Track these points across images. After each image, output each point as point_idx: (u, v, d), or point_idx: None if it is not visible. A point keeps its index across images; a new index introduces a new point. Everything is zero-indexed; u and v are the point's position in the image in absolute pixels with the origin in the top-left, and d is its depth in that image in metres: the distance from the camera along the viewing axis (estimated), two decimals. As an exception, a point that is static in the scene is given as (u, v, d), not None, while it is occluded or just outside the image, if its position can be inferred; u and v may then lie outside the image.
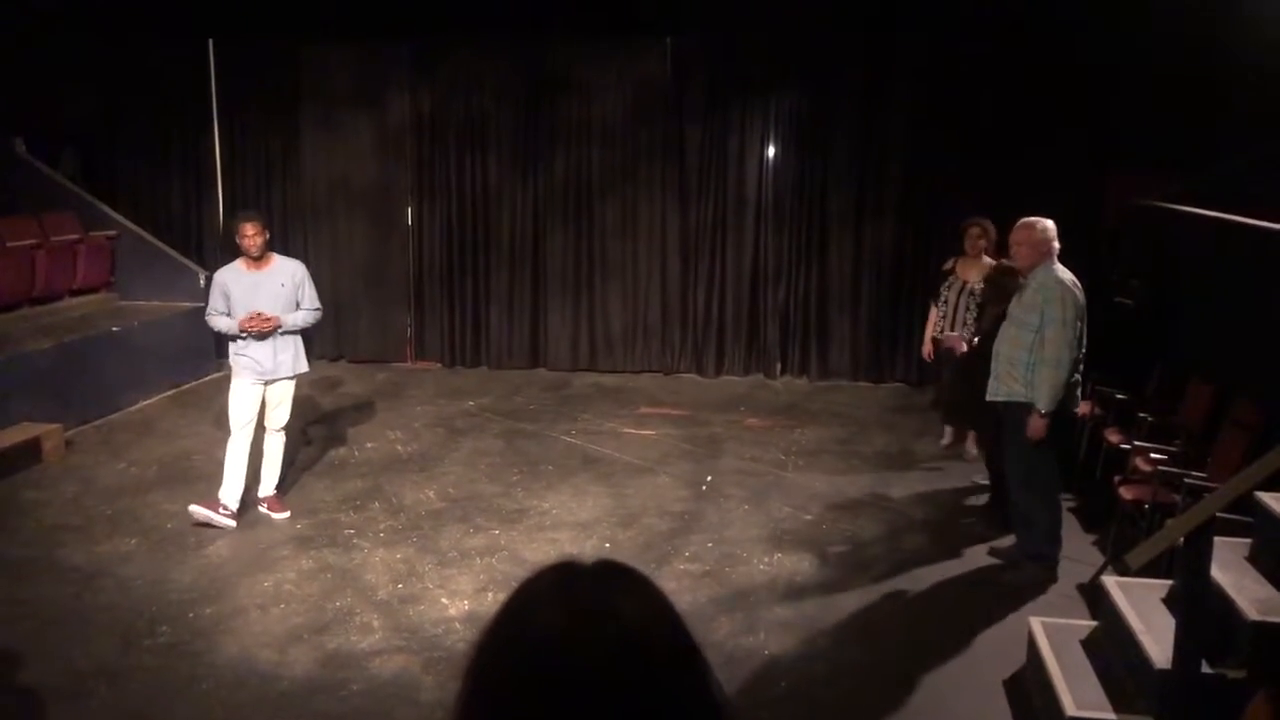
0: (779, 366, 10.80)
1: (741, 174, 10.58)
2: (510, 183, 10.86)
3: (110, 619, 5.35)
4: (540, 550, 6.24)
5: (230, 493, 6.48)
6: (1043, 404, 5.53)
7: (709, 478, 7.61)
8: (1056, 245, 5.69)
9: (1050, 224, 5.70)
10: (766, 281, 10.67)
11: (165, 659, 4.98)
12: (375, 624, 5.32)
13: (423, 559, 6.12)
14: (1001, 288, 6.64)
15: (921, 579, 5.96)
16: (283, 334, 6.41)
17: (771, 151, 10.58)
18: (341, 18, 10.26)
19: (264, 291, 6.36)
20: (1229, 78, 7.90)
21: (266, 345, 6.38)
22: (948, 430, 8.32)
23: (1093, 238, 9.09)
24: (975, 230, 7.78)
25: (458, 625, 5.27)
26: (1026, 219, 5.78)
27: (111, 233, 10.44)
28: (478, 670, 1.04)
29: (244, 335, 6.34)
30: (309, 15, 10.28)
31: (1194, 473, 5.55)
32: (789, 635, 5.25)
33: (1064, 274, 5.64)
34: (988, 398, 5.97)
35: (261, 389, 6.48)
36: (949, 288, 7.89)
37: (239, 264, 6.48)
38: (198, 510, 6.45)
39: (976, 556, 6.24)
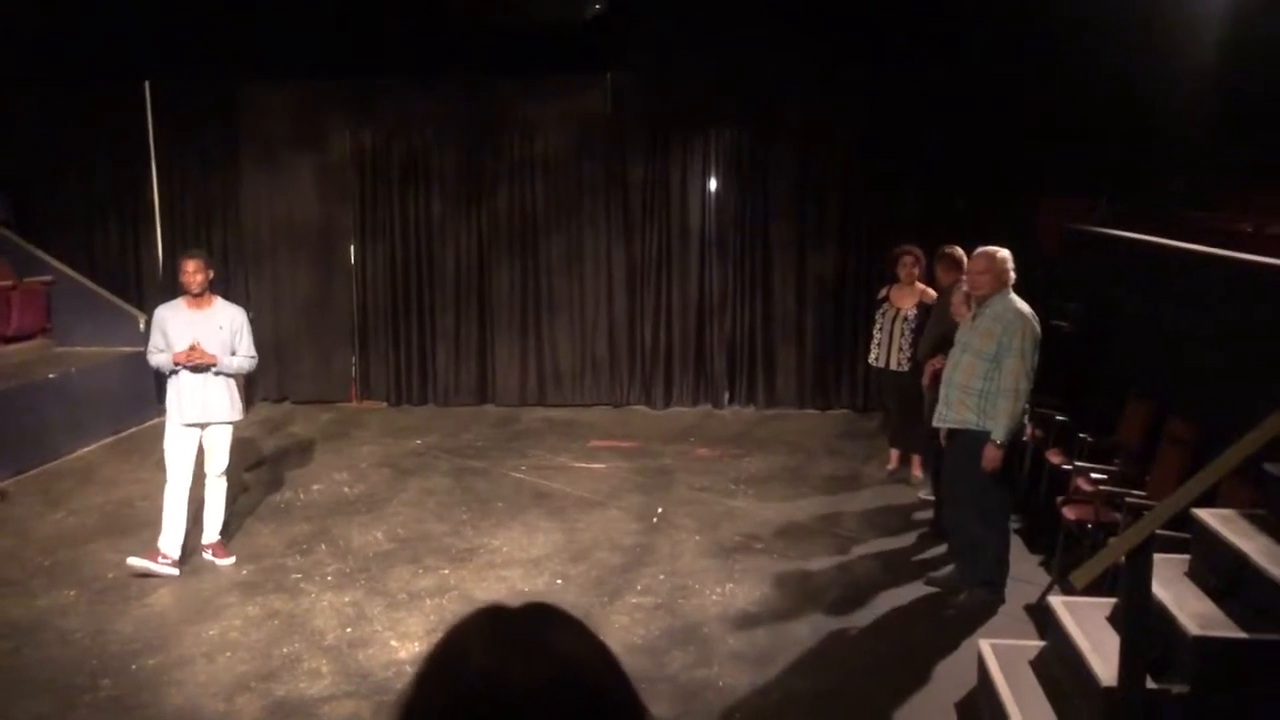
0: (727, 396, 10.87)
1: (684, 207, 10.67)
2: (454, 220, 10.86)
3: (50, 674, 5.20)
4: (491, 589, 6.19)
5: (170, 540, 6.35)
6: (1000, 435, 5.59)
7: (660, 509, 7.61)
8: (1013, 275, 5.77)
9: (1007, 253, 5.75)
10: (712, 312, 10.75)
11: (108, 714, 4.86)
12: (324, 669, 5.24)
13: (371, 602, 6.04)
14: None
15: (872, 605, 5.99)
16: (216, 374, 6.33)
17: (713, 184, 10.70)
18: (280, 57, 10.20)
19: (200, 332, 6.29)
20: (1157, 105, 8.12)
21: (197, 387, 6.29)
22: (893, 455, 8.40)
23: (1028, 262, 9.26)
24: (909, 258, 7.92)
25: (408, 669, 5.20)
26: (985, 248, 5.81)
27: (47, 278, 10.25)
28: (409, 713, 1.03)
29: (177, 369, 6.26)
30: (247, 55, 10.22)
31: (1134, 491, 5.65)
32: (742, 666, 5.25)
33: (1022, 305, 5.70)
34: (934, 423, 6.05)
35: (197, 433, 6.39)
36: (883, 315, 8.01)
37: (180, 302, 6.43)
38: (136, 562, 6.32)
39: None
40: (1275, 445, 3.70)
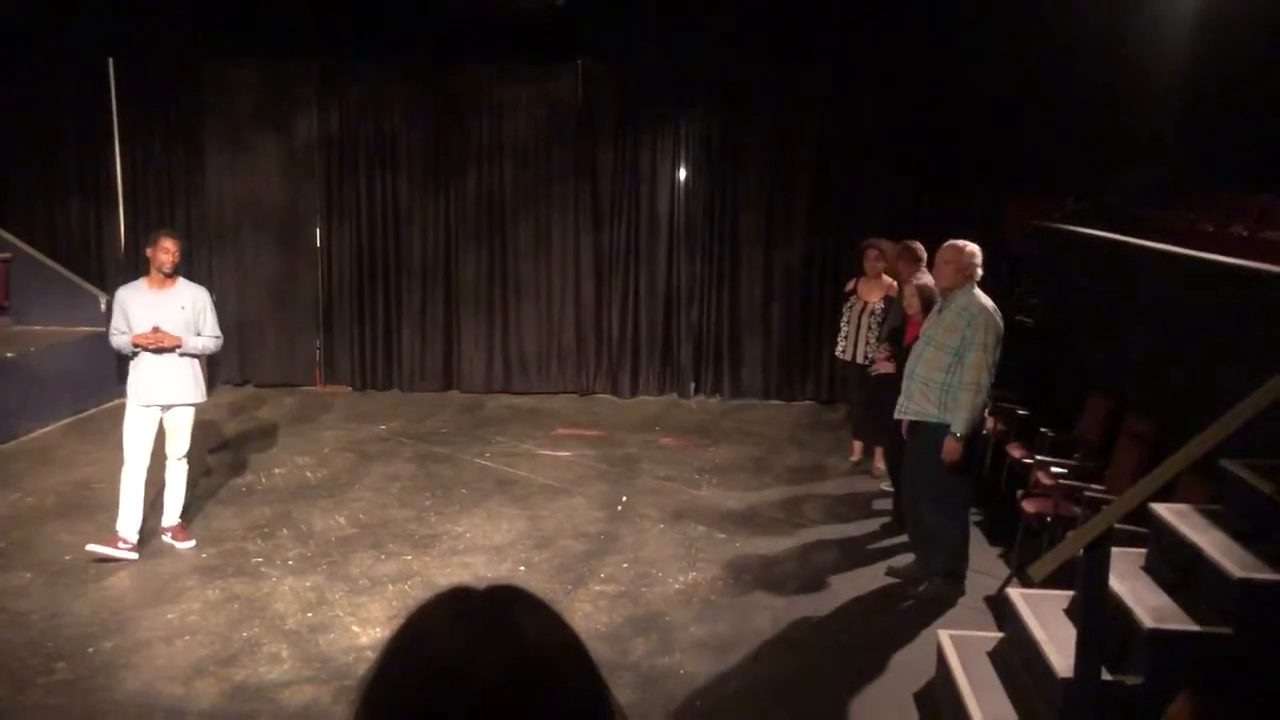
0: (693, 386, 10.89)
1: (653, 196, 10.67)
2: (421, 203, 10.78)
3: (3, 657, 5.13)
4: (453, 575, 6.17)
5: (128, 524, 6.27)
6: (960, 428, 5.63)
7: (624, 498, 7.61)
8: (980, 271, 5.80)
9: (976, 249, 5.77)
10: (680, 302, 10.76)
11: (63, 697, 4.80)
12: (284, 654, 5.21)
13: (333, 587, 6.00)
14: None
15: (833, 595, 6.03)
16: (181, 354, 6.25)
17: (682, 174, 10.70)
18: (246, 35, 10.09)
19: (163, 312, 6.20)
20: (1123, 105, 8.21)
21: (160, 368, 6.21)
22: (856, 446, 8.46)
23: (994, 258, 9.34)
24: (873, 252, 7.98)
25: (369, 654, 5.17)
26: (954, 241, 5.84)
27: (5, 255, 10.08)
28: (370, 704, 1.01)
29: (138, 350, 6.18)
30: (212, 32, 10.10)
31: (1093, 485, 5.73)
32: (704, 654, 5.27)
33: (986, 300, 5.74)
34: (896, 415, 6.08)
35: (158, 415, 6.30)
36: (850, 308, 8.05)
37: (141, 283, 6.34)
38: (95, 548, 6.23)
39: (887, 571, 6.35)
40: (1231, 442, 3.75)
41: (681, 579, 6.20)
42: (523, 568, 6.33)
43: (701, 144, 10.63)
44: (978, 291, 5.77)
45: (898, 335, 7.01)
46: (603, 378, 10.91)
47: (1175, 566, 4.29)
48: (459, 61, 10.52)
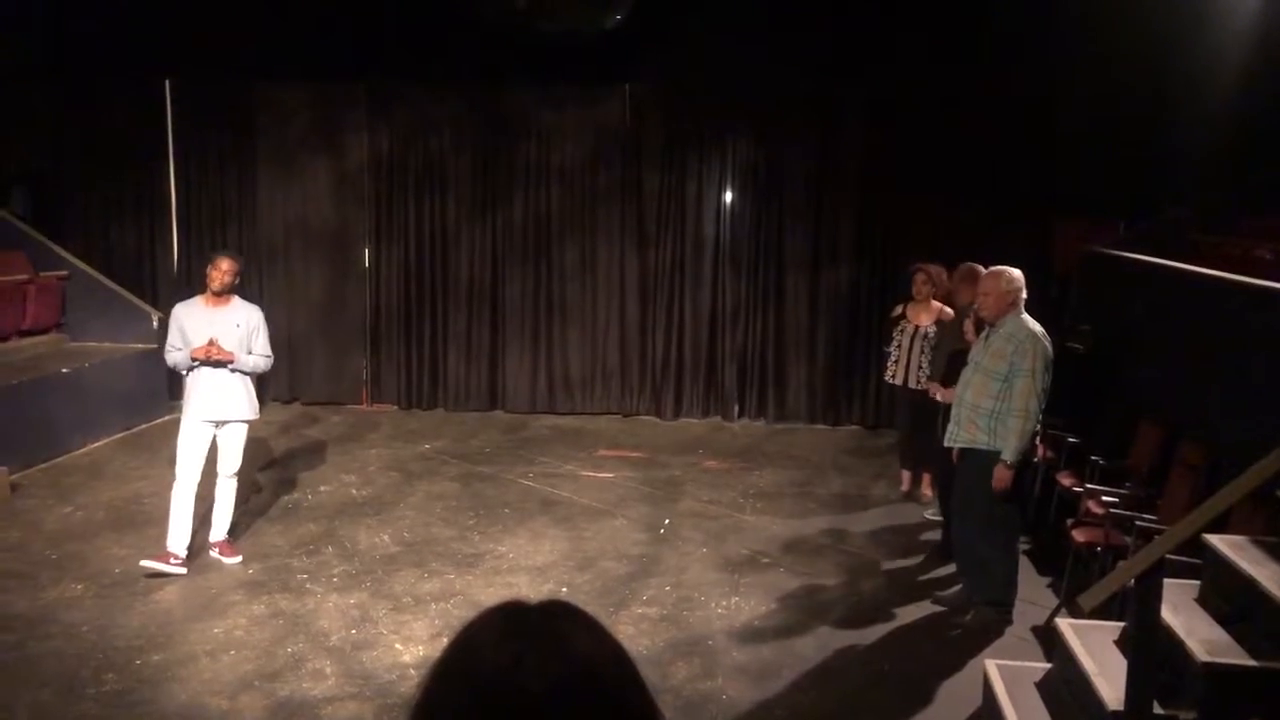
0: (737, 409, 10.85)
1: (699, 218, 10.69)
2: (469, 225, 10.88)
3: (54, 667, 5.21)
4: (496, 594, 6.18)
5: (178, 540, 6.35)
6: (1010, 455, 5.56)
7: (667, 520, 7.59)
8: (1024, 295, 5.73)
9: (1018, 274, 5.70)
10: (724, 324, 10.75)
11: (110, 708, 4.86)
12: (328, 670, 5.24)
13: (377, 604, 6.04)
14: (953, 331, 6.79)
15: (879, 622, 5.97)
16: (232, 371, 6.35)
17: (728, 196, 10.71)
18: (298, 58, 10.26)
19: (218, 329, 6.31)
20: (1176, 129, 8.11)
21: (215, 384, 6.31)
22: (905, 476, 8.36)
23: (1043, 284, 9.25)
24: (920, 276, 7.90)
25: (412, 671, 5.20)
26: (994, 268, 5.78)
27: (62, 273, 10.29)
28: (425, 707, 1.04)
29: (195, 365, 6.28)
30: (265, 55, 10.28)
31: (1145, 515, 5.62)
32: (746, 680, 5.24)
33: (1034, 325, 5.66)
34: (945, 443, 6.02)
35: (211, 431, 6.40)
36: (901, 332, 7.97)
37: (197, 300, 6.48)
38: (148, 563, 6.32)
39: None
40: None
41: (724, 603, 6.17)
42: (565, 589, 6.32)
43: (747, 166, 10.64)
44: (1025, 316, 5.70)
45: (958, 363, 6.86)
46: (646, 399, 10.91)
47: (1230, 599, 4.20)
48: (506, 85, 10.63)
